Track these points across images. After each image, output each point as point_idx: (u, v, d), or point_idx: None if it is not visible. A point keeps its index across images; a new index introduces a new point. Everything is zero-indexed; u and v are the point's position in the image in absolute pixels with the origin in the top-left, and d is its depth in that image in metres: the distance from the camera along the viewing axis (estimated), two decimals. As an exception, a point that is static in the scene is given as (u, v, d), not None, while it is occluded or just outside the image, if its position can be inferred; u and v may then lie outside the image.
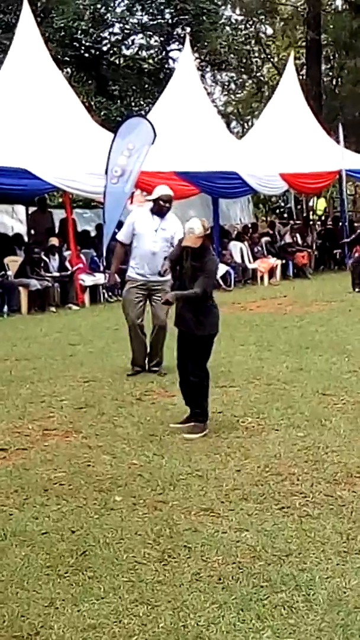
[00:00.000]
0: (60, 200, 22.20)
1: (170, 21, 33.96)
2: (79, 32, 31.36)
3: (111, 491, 6.30)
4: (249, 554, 5.18)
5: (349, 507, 5.90)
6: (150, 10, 33.54)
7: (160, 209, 10.51)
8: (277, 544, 5.30)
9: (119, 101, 33.05)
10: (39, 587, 4.80)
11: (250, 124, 39.14)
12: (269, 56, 41.52)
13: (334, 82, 40.22)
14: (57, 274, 17.73)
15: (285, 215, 32.80)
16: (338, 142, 23.02)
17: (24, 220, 22.81)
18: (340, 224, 24.58)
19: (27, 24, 19.57)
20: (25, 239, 20.21)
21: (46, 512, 5.92)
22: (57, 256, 18.09)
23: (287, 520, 5.69)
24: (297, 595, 4.64)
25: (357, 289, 18.52)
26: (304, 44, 36.85)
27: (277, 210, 36.03)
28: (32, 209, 22.12)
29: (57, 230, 20.49)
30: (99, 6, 31.14)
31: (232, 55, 36.91)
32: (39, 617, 4.45)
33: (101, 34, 33.37)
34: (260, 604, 4.54)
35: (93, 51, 33.84)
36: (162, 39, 34.90)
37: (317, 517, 5.75)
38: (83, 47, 33.36)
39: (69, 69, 32.08)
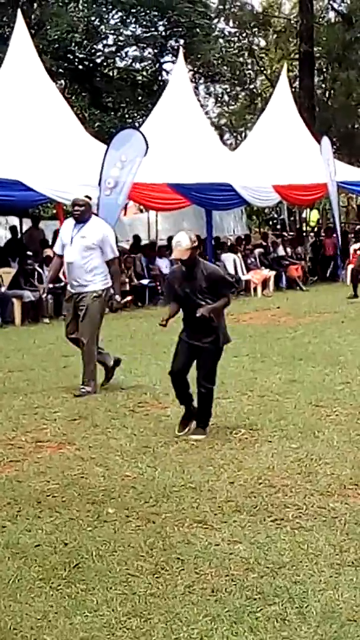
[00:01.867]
0: (54, 211, 22.21)
1: (163, 33, 34.11)
2: (73, 44, 31.47)
3: (104, 503, 6.29)
4: (242, 566, 5.18)
5: (341, 519, 5.90)
6: (144, 23, 33.68)
7: (74, 215, 10.13)
8: (270, 556, 5.30)
9: (112, 113, 33.14)
10: (31, 599, 4.79)
11: (243, 135, 39.21)
12: (262, 68, 41.66)
13: (327, 94, 40.36)
14: (50, 286, 17.71)
15: (279, 226, 32.89)
16: (321, 153, 22.94)
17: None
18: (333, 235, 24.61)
19: (21, 36, 19.62)
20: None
21: (39, 524, 5.91)
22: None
23: (280, 533, 5.69)
24: (290, 607, 4.64)
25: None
26: (297, 56, 37.01)
27: (271, 222, 36.12)
28: (28, 224, 22.12)
29: (50, 242, 20.48)
30: (92, 18, 31.26)
31: (225, 68, 37.07)
32: (31, 630, 4.44)
33: (95, 46, 33.49)
34: (253, 617, 4.54)
35: (87, 63, 33.95)
36: (155, 51, 35.04)
37: (310, 529, 5.74)
38: (77, 59, 33.47)
39: (62, 81, 32.17)
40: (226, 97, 42.78)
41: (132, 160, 17.67)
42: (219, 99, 42.77)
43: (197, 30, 32.94)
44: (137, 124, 27.24)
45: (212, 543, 5.52)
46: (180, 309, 8.16)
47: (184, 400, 8.19)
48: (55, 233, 19.90)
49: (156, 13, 32.64)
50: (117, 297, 11.14)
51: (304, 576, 5.02)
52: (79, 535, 5.70)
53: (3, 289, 17.03)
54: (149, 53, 35.48)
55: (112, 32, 33.03)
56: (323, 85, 40.44)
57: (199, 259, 8.09)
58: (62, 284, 17.62)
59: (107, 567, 5.19)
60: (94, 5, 30.93)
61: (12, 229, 21.37)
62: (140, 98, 34.20)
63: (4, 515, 6.11)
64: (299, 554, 5.33)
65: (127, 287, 19.33)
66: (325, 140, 23.01)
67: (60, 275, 17.76)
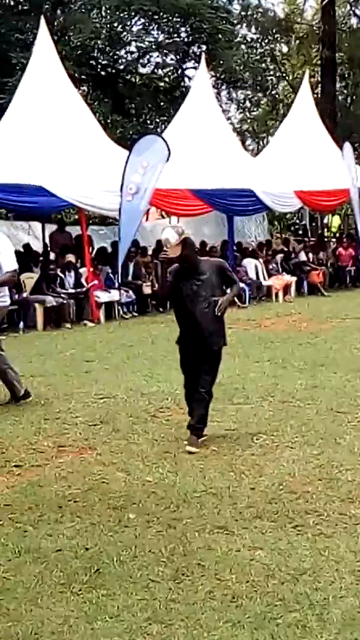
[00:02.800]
0: (76, 217, 22.28)
1: (186, 40, 34.14)
2: (96, 50, 31.59)
3: (125, 508, 6.31)
4: (262, 572, 5.17)
5: (363, 526, 5.89)
6: (166, 29, 33.73)
7: None
8: (291, 563, 5.29)
9: (134, 119, 33.22)
10: (52, 604, 4.81)
11: (265, 141, 39.18)
12: (284, 74, 41.62)
13: (349, 100, 40.27)
14: (72, 291, 17.79)
15: (300, 232, 32.82)
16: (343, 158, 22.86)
17: (39, 236, 22.89)
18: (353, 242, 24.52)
19: (44, 43, 19.71)
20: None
21: (60, 529, 5.93)
22: (72, 273, 18.15)
23: (301, 539, 5.68)
24: (311, 614, 4.63)
25: None
26: (319, 62, 36.94)
27: (292, 228, 36.06)
28: (51, 229, 22.20)
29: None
30: (115, 25, 31.35)
31: (247, 74, 37.03)
32: (52, 635, 4.46)
33: (117, 53, 33.58)
34: (274, 623, 4.54)
35: (109, 69, 34.04)
36: (178, 57, 35.07)
37: (331, 535, 5.73)
38: (99, 66, 33.58)
39: (85, 87, 32.24)
40: (248, 103, 42.74)
41: (154, 166, 17.71)
42: (241, 105, 42.74)
43: (220, 36, 32.93)
44: (159, 130, 27.30)
45: (232, 549, 5.52)
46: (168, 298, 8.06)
47: (192, 411, 8.16)
48: (78, 238, 20.06)
49: (178, 19, 32.69)
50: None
51: (324, 583, 5.01)
52: (100, 540, 5.71)
53: (25, 294, 17.09)
54: (171, 59, 35.52)
55: (134, 38, 33.10)
56: (345, 91, 40.36)
57: (195, 255, 7.98)
58: (85, 289, 17.78)
59: (128, 572, 5.20)
60: (117, 12, 31.02)
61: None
62: (162, 104, 34.25)
63: (26, 519, 6.14)
64: (320, 561, 5.32)
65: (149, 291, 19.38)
66: (348, 146, 22.96)
67: (83, 281, 17.97)
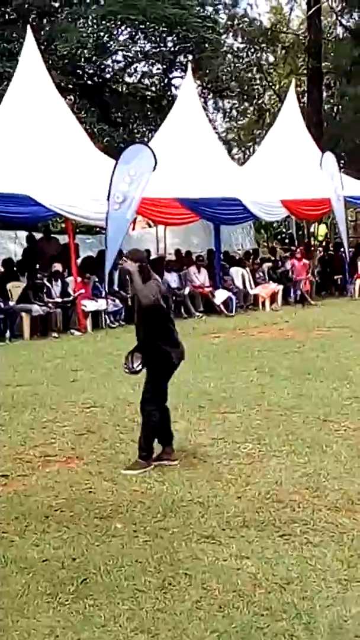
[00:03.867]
0: (63, 225, 22.27)
1: (172, 49, 34.21)
2: (82, 60, 31.60)
3: (112, 518, 6.30)
4: (249, 581, 5.17)
5: (350, 535, 5.89)
6: (153, 38, 33.79)
7: None
8: (278, 572, 5.30)
9: (121, 128, 33.24)
10: (39, 615, 4.80)
11: (251, 150, 39.28)
12: (270, 83, 41.76)
13: (335, 110, 40.42)
14: (59, 300, 17.76)
15: (287, 241, 32.88)
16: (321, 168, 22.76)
17: (26, 245, 22.85)
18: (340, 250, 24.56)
19: (30, 52, 19.72)
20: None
21: (47, 539, 5.92)
22: (59, 282, 18.12)
23: (288, 548, 5.68)
24: (298, 623, 4.63)
25: None
26: (305, 71, 37.11)
27: (279, 236, 36.13)
28: (37, 236, 22.18)
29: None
30: (102, 34, 31.38)
31: (233, 83, 37.17)
32: (39, 646, 4.45)
33: (104, 62, 33.61)
34: (260, 633, 4.54)
35: (96, 79, 34.08)
36: (164, 66, 35.14)
37: (318, 544, 5.74)
38: (86, 75, 33.61)
39: (72, 97, 32.27)
40: (234, 112, 42.88)
41: (141, 175, 17.72)
42: (227, 114, 42.87)
43: (206, 45, 33.02)
44: (145, 139, 27.30)
45: (219, 558, 5.52)
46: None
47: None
48: (64, 247, 20.04)
49: (165, 29, 32.74)
50: None
51: (311, 592, 5.02)
52: (86, 550, 5.70)
53: (12, 303, 17.05)
54: (158, 68, 35.60)
55: (121, 48, 33.16)
56: (331, 101, 40.50)
57: (149, 272, 7.84)
58: (72, 298, 17.76)
59: (115, 582, 5.19)
60: (103, 22, 31.06)
61: (29, 237, 21.40)
62: (149, 113, 34.31)
63: (12, 529, 6.12)
64: (307, 570, 5.32)
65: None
66: (328, 155, 22.90)
67: (70, 290, 17.95)
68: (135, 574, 5.31)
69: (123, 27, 33.08)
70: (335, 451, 7.98)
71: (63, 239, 20.65)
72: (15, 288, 17.64)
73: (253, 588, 5.09)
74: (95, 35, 30.89)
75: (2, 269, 19.10)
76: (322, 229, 31.08)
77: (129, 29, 33.35)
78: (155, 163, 17.73)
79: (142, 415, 7.75)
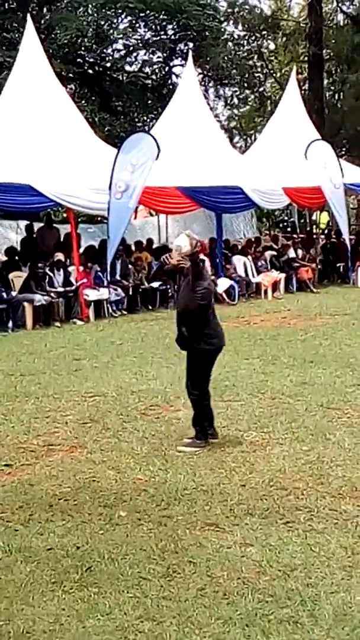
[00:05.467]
0: (65, 215, 22.23)
1: (173, 37, 34.14)
2: (83, 48, 31.56)
3: (116, 506, 6.31)
4: (253, 569, 5.18)
5: (353, 522, 5.90)
6: (153, 27, 33.73)
7: None
8: (282, 559, 5.30)
9: (122, 117, 33.21)
10: (44, 603, 4.81)
11: (253, 138, 39.16)
12: (271, 71, 41.59)
13: (336, 97, 40.25)
14: (61, 289, 17.75)
15: (289, 229, 32.81)
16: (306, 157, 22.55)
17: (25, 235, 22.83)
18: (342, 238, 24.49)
19: (30, 41, 19.65)
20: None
21: (51, 527, 5.93)
22: (61, 271, 18.11)
23: (292, 535, 5.69)
24: (302, 610, 4.64)
25: None
26: (306, 59, 36.94)
27: (281, 224, 36.06)
28: (37, 226, 22.15)
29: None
30: (102, 23, 31.31)
31: (234, 71, 37.06)
32: (44, 634, 4.46)
33: (104, 51, 33.57)
34: (265, 619, 4.54)
35: (96, 67, 34.03)
36: (164, 55, 35.07)
37: (322, 531, 5.75)
38: (86, 64, 33.55)
39: (72, 86, 32.23)
40: (235, 100, 42.70)
41: (143, 164, 17.67)
42: (229, 102, 42.71)
43: (207, 33, 32.95)
44: (146, 128, 27.25)
45: (224, 546, 5.53)
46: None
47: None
48: (66, 237, 20.03)
49: (165, 17, 32.68)
50: None
51: (316, 579, 5.02)
52: (91, 538, 5.71)
53: (14, 293, 17.04)
54: (158, 57, 35.53)
55: (121, 36, 33.10)
56: (332, 88, 40.33)
57: (204, 273, 7.88)
58: (74, 287, 17.75)
59: (120, 570, 5.20)
60: (103, 10, 30.99)
61: (28, 227, 21.38)
62: (149, 102, 34.26)
63: (16, 519, 6.13)
64: (311, 557, 5.33)
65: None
66: (318, 144, 22.69)
67: (72, 279, 17.94)
68: (139, 561, 5.32)
69: (123, 16, 33.01)
70: (339, 438, 7.98)
71: (65, 228, 20.63)
72: (17, 278, 17.63)
73: (257, 575, 5.09)
74: (95, 23, 30.83)
75: (4, 258, 19.10)
76: (325, 217, 31.00)
77: (129, 17, 33.28)
78: (159, 151, 17.70)
79: (190, 399, 8.00)
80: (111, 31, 32.53)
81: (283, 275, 22.38)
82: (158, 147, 17.76)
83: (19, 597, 4.89)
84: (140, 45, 34.08)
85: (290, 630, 4.43)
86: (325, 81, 37.77)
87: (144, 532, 5.80)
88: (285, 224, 35.33)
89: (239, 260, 21.82)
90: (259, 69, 40.48)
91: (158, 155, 17.74)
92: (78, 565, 5.28)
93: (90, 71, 33.74)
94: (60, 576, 5.14)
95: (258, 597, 4.80)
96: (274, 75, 41.52)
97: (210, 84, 39.05)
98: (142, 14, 32.23)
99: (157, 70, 36.39)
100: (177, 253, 7.74)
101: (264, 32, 38.72)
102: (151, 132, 19.72)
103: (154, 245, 22.41)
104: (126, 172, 17.55)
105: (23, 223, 23.01)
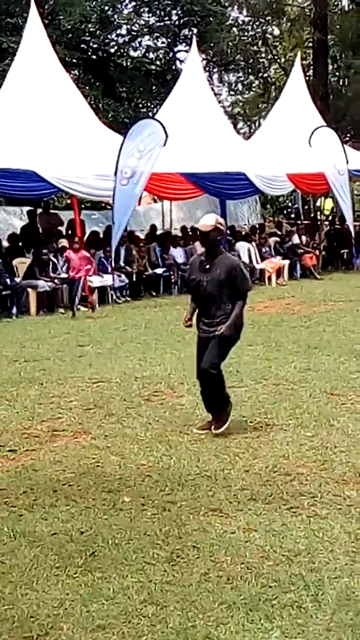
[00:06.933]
0: (69, 201, 22.21)
1: (177, 23, 34.00)
2: (86, 34, 31.44)
3: (120, 492, 6.32)
4: (257, 554, 5.19)
5: (357, 507, 5.90)
6: (157, 12, 33.60)
7: None
8: (286, 544, 5.31)
9: (126, 103, 33.09)
10: (48, 587, 4.82)
11: (257, 124, 39.05)
12: (275, 57, 41.45)
13: (341, 82, 40.11)
14: (65, 276, 17.75)
15: (293, 215, 32.75)
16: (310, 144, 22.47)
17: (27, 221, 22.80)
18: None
19: (34, 27, 19.60)
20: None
21: (55, 513, 5.94)
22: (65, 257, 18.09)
23: (295, 520, 5.70)
24: (306, 595, 4.65)
25: None
26: (310, 44, 36.77)
27: (285, 211, 35.99)
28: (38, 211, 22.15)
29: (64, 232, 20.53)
30: (106, 8, 31.17)
31: (239, 56, 36.94)
32: (48, 618, 4.47)
33: (108, 36, 33.43)
34: (268, 604, 4.55)
35: (100, 53, 33.90)
36: (169, 40, 34.94)
37: (326, 517, 5.75)
38: (90, 49, 33.43)
39: (76, 71, 32.08)
40: (240, 86, 42.59)
41: (150, 150, 17.65)
42: (233, 87, 42.59)
43: (211, 19, 32.81)
44: (150, 114, 27.18)
45: (227, 531, 5.54)
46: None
47: (210, 408, 8.01)
48: (70, 223, 20.02)
49: (169, 2, 32.56)
50: None
51: (319, 564, 5.03)
52: (95, 523, 5.72)
53: (18, 279, 17.06)
54: (163, 42, 35.41)
55: (125, 21, 32.92)
56: (337, 73, 40.17)
57: (221, 249, 7.97)
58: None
59: (123, 555, 5.21)
60: (107, -5, 30.87)
61: (30, 213, 21.34)
62: (153, 87, 34.14)
63: (21, 504, 6.14)
64: (315, 542, 5.34)
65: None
66: (322, 131, 22.64)
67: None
68: (143, 546, 5.33)
69: (127, 1, 32.87)
70: (342, 424, 7.98)
71: (69, 214, 20.61)
72: (21, 264, 17.64)
73: (261, 560, 5.10)
74: (99, 9, 30.67)
75: (8, 244, 19.10)
76: (329, 203, 30.94)
77: (133, 3, 33.17)
78: (166, 138, 17.67)
79: (210, 378, 7.77)
80: (115, 16, 32.37)
81: (287, 261, 22.37)
82: (166, 133, 17.73)
83: (23, 581, 4.90)
84: (145, 30, 33.93)
85: (294, 615, 4.44)
86: (330, 67, 37.63)
87: (147, 518, 5.81)
88: (289, 210, 35.27)
89: (242, 247, 21.80)
90: (263, 55, 40.34)
91: (166, 141, 17.72)
92: (82, 550, 5.30)
93: (94, 57, 33.61)
94: (64, 561, 5.15)
95: (262, 582, 4.81)
96: (279, 60, 41.36)
97: (215, 70, 38.93)
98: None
99: (161, 56, 36.28)
100: (201, 224, 7.82)
101: (269, 18, 38.56)
102: (156, 118, 19.68)
103: (158, 232, 22.40)
104: (133, 159, 17.53)
105: (27, 209, 23.01)
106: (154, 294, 19.40)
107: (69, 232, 20.00)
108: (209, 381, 7.83)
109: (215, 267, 7.77)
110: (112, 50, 34.61)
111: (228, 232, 22.40)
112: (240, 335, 8.02)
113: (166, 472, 6.71)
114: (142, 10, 33.52)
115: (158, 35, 34.74)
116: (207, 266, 7.81)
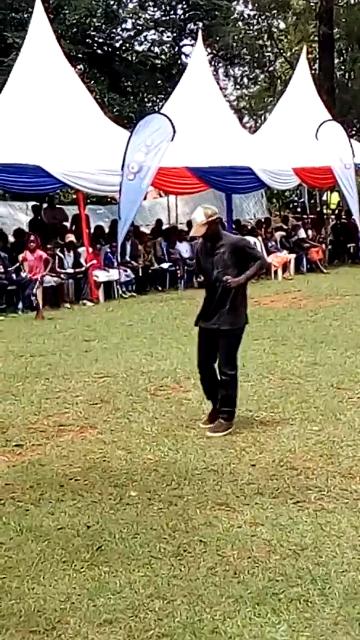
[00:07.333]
0: (74, 196, 22.20)
1: (182, 16, 33.93)
2: (92, 28, 31.39)
3: (126, 486, 6.32)
4: (264, 548, 5.19)
5: (364, 501, 5.90)
6: (163, 6, 33.53)
7: None
8: (293, 538, 5.31)
9: (131, 97, 33.04)
10: (55, 582, 4.82)
11: (263, 118, 38.93)
12: (281, 51, 41.32)
13: (347, 76, 40.00)
14: (71, 271, 17.76)
15: (299, 209, 32.67)
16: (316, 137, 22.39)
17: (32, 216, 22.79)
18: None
19: (39, 22, 19.59)
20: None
21: (62, 507, 5.94)
22: (71, 252, 18.10)
23: (302, 515, 5.69)
24: (313, 589, 4.64)
25: None
26: (316, 38, 36.66)
27: (291, 205, 35.92)
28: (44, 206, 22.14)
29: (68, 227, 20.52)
30: (111, 2, 31.14)
31: (244, 50, 36.82)
32: (55, 612, 4.47)
33: (113, 30, 33.37)
34: (275, 598, 4.55)
35: (105, 48, 33.86)
36: (174, 34, 34.86)
37: (332, 511, 5.75)
38: (95, 44, 33.39)
39: (81, 66, 32.04)
40: (245, 80, 42.44)
41: (158, 145, 17.63)
42: (238, 81, 42.46)
43: (216, 13, 32.74)
44: (156, 108, 27.14)
45: (234, 525, 5.53)
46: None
47: (210, 395, 7.93)
48: (75, 218, 20.01)
49: (175, -4, 32.53)
50: None
51: (326, 558, 5.02)
52: (101, 518, 5.72)
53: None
54: (168, 36, 35.32)
55: (130, 16, 32.88)
56: (343, 67, 40.05)
57: (221, 232, 7.77)
58: (84, 268, 17.74)
59: (130, 549, 5.21)
60: (112, -11, 30.85)
61: (35, 208, 21.32)
62: (159, 82, 34.08)
63: (27, 498, 6.15)
64: (322, 536, 5.33)
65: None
66: (329, 124, 22.57)
67: (82, 260, 17.93)
68: (150, 541, 5.33)
69: (132, -5, 32.83)
70: (349, 418, 7.97)
71: (74, 209, 20.61)
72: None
73: (268, 554, 5.10)
74: (104, 3, 30.64)
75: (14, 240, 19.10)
76: (335, 197, 30.89)
77: (138, -4, 33.09)
78: (174, 133, 17.65)
79: (223, 380, 7.69)
80: (120, 11, 32.33)
81: (293, 255, 22.34)
82: (174, 128, 17.71)
83: (30, 576, 4.91)
84: (150, 24, 33.87)
85: (301, 609, 4.44)
86: (336, 60, 37.53)
87: (154, 512, 5.81)
88: (295, 204, 35.15)
89: (249, 241, 21.74)
90: (269, 49, 40.20)
91: (173, 136, 17.70)
92: (89, 544, 5.30)
93: (99, 51, 33.58)
94: (71, 555, 5.15)
95: (268, 576, 4.80)
96: (284, 54, 41.22)
97: (220, 64, 38.82)
98: (151, -7, 32.12)
99: (166, 50, 36.18)
100: (194, 227, 7.72)
101: (274, 11, 38.41)
102: (164, 113, 19.66)
103: (164, 226, 22.38)
104: (140, 153, 17.52)
105: (32, 204, 23.01)
106: (159, 288, 19.39)
107: (74, 227, 20.00)
108: (226, 385, 7.73)
109: (219, 248, 7.63)
110: (118, 45, 34.57)
111: (234, 226, 22.43)
112: (243, 329, 7.86)
113: (173, 467, 6.71)
114: (147, 4, 33.46)
115: (163, 29, 34.66)
116: (212, 250, 7.68)
